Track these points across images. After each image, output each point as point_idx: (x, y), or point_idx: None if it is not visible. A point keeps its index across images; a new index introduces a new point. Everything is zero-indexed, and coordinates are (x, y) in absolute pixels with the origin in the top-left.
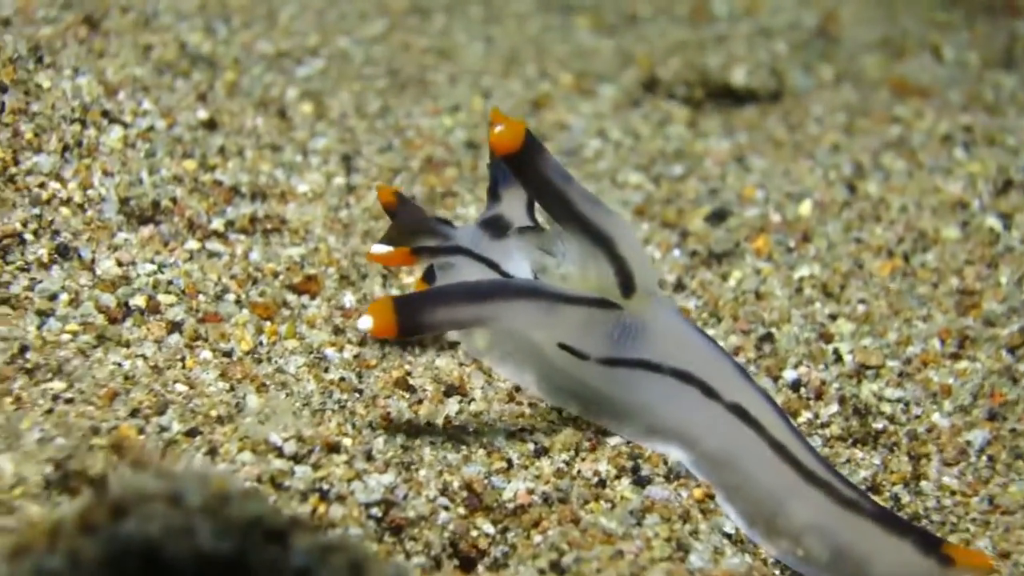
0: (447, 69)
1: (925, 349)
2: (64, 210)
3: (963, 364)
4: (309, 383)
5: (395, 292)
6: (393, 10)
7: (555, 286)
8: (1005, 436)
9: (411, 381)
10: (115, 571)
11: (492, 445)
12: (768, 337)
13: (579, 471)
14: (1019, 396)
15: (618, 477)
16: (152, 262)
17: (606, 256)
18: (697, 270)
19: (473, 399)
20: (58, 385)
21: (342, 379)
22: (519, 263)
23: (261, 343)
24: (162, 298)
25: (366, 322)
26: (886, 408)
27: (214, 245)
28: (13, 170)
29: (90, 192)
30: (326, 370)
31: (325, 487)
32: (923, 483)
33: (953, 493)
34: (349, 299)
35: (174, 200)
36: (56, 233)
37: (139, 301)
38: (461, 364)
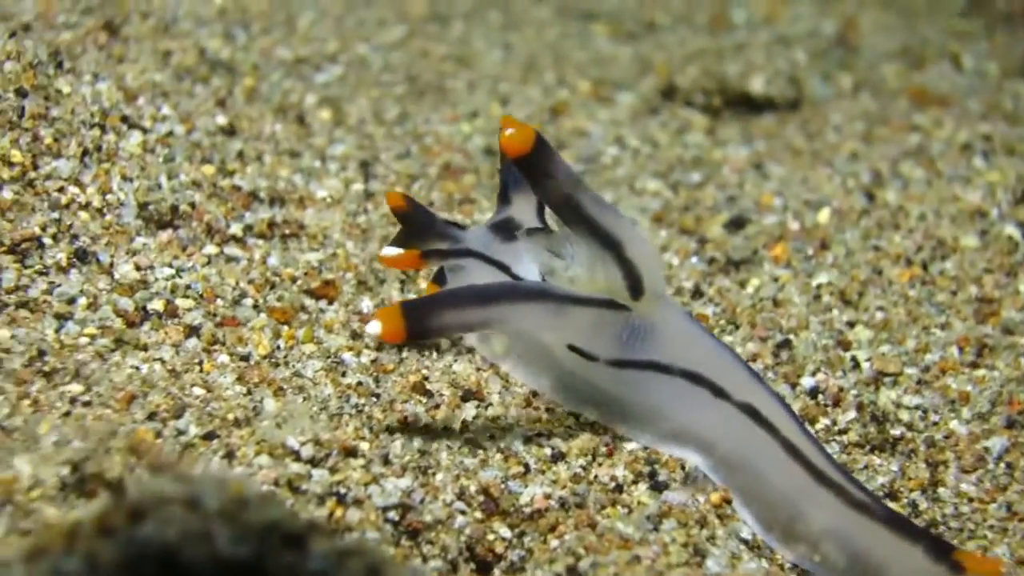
0: (465, 76)
1: (944, 357)
2: (83, 214)
3: (981, 372)
4: (326, 387)
5: (413, 297)
6: (412, 17)
7: (563, 288)
8: (1023, 444)
9: (428, 386)
10: (132, 575)
11: (509, 450)
12: (786, 344)
13: (596, 476)
14: None
15: (635, 482)
16: (170, 266)
17: (615, 259)
18: (715, 277)
19: (490, 404)
20: (76, 388)
21: (359, 383)
22: (529, 265)
23: (278, 347)
24: (180, 302)
25: (375, 327)
26: (904, 415)
27: (232, 250)
28: (32, 174)
29: (109, 197)
30: (343, 374)
31: (342, 491)
32: (941, 490)
33: (971, 500)
34: (367, 304)
35: (192, 205)
36: (75, 237)
37: (157, 305)
38: (478, 369)
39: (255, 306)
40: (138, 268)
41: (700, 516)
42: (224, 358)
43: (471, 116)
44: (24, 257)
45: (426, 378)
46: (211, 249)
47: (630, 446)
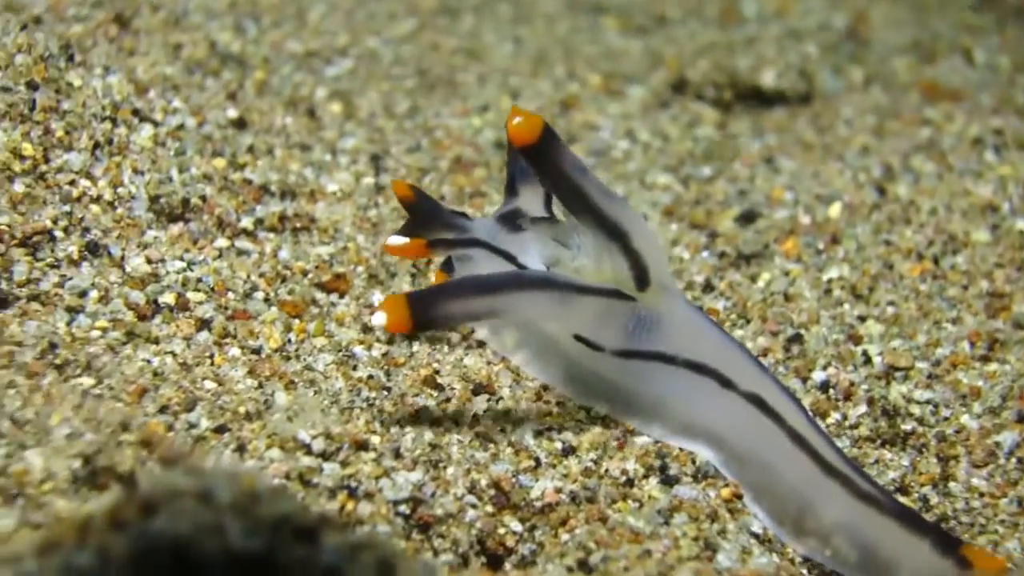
0: (476, 69)
1: (954, 351)
2: (94, 207)
3: (993, 366)
4: (337, 381)
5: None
6: (422, 10)
7: (569, 277)
8: None
9: (439, 379)
10: (144, 568)
11: (520, 443)
12: (797, 338)
13: (607, 470)
14: None
15: (646, 476)
16: (181, 260)
17: (621, 249)
18: (726, 271)
19: (501, 397)
20: (87, 381)
21: (370, 377)
22: (535, 255)
23: (290, 341)
24: (191, 295)
25: (380, 317)
26: (915, 410)
27: (243, 243)
28: (44, 168)
29: (120, 190)
30: (354, 368)
31: (353, 484)
32: (952, 484)
33: (982, 495)
34: (378, 298)
35: (204, 198)
36: (86, 230)
37: (168, 298)
38: (489, 363)
39: (266, 299)
40: (149, 261)
41: (711, 510)
42: (235, 351)
43: (481, 110)
44: (36, 250)
45: (437, 372)
46: (222, 242)
47: (641, 440)
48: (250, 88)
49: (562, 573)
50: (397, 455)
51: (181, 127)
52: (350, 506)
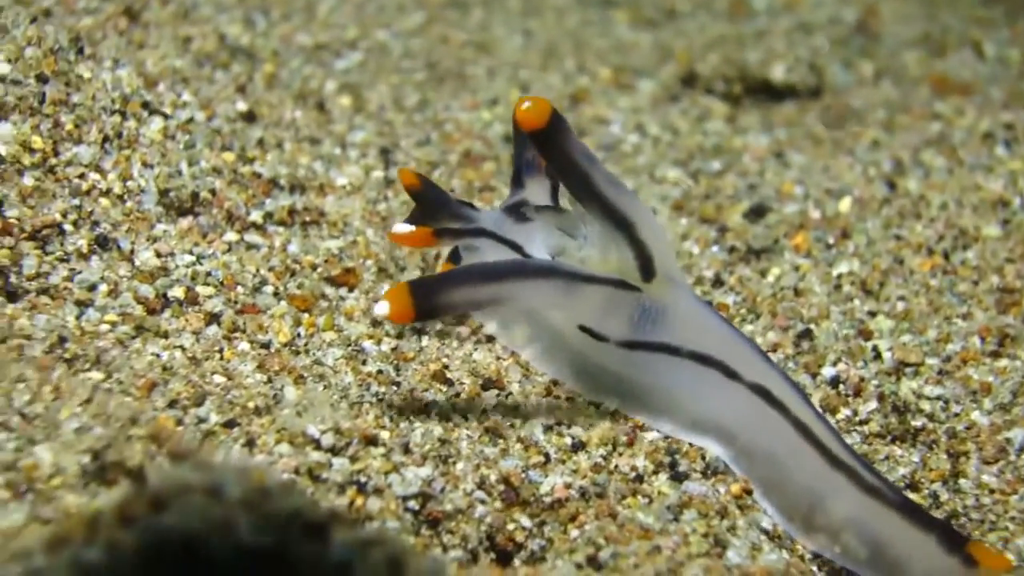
0: (485, 62)
1: (965, 347)
2: (104, 201)
3: (1003, 362)
4: (347, 375)
5: None
6: (431, 3)
7: (574, 266)
8: None
9: (448, 374)
10: (153, 564)
11: (529, 439)
12: (807, 334)
13: (616, 466)
14: None
15: (656, 472)
16: (191, 253)
17: (626, 239)
18: (736, 266)
19: (511, 393)
20: (97, 375)
21: (380, 372)
22: (541, 245)
23: (299, 335)
24: (200, 289)
25: (383, 307)
26: (925, 406)
27: (253, 237)
28: (53, 161)
29: (129, 183)
30: (364, 362)
31: (363, 479)
32: (962, 481)
33: (992, 491)
34: None
35: (213, 192)
36: (95, 224)
37: (177, 292)
38: (499, 358)
39: (275, 293)
40: (158, 255)
41: (721, 506)
42: (244, 346)
43: (491, 103)
44: (45, 244)
45: (446, 366)
46: (231, 236)
47: (650, 436)
48: (259, 81)
49: (571, 569)
50: (406, 450)
51: (191, 120)
52: (359, 501)
